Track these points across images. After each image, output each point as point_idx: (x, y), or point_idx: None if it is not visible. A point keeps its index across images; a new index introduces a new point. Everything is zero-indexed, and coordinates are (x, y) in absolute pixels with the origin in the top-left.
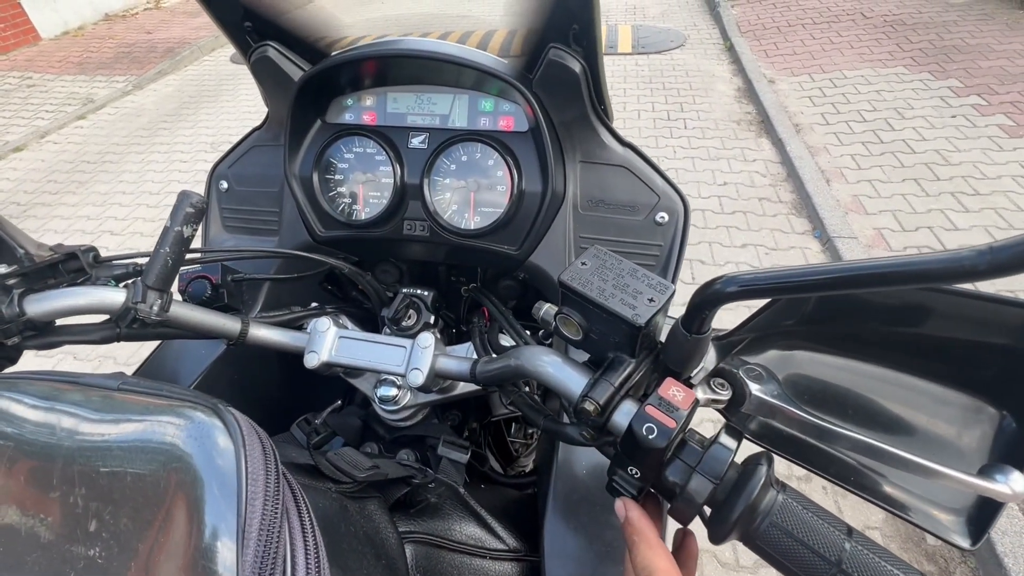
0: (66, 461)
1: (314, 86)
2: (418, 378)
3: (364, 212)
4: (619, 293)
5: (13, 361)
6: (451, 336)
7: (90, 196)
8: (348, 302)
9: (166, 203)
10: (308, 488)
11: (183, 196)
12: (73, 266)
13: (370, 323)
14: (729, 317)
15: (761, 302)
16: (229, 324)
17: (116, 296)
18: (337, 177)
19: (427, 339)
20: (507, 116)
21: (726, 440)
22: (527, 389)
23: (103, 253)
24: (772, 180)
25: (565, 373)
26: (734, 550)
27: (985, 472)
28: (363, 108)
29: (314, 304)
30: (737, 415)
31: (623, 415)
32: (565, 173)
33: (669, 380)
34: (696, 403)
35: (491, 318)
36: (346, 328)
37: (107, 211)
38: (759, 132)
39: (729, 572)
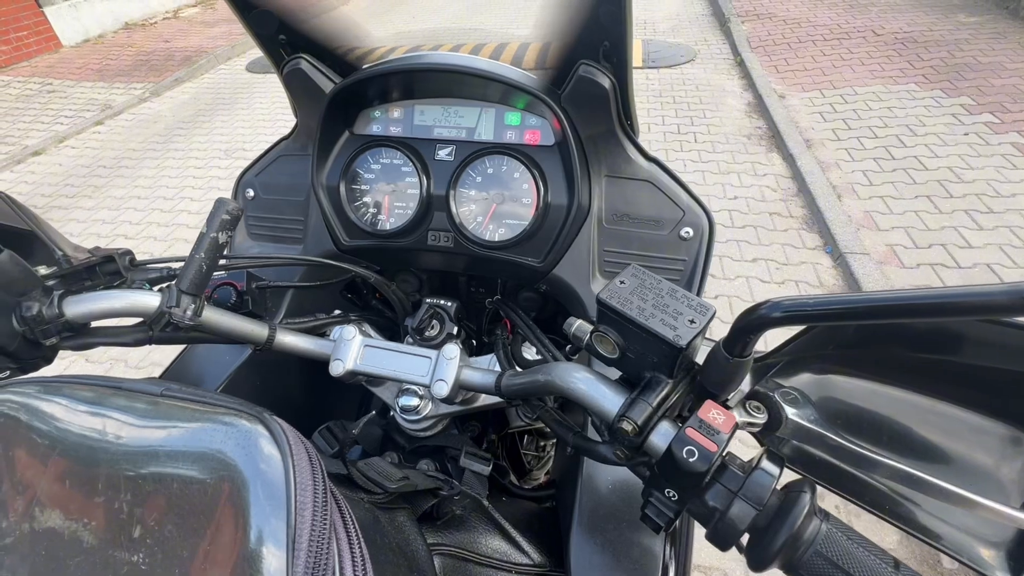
0: (111, 466)
1: (344, 98)
2: (443, 389)
3: (389, 222)
4: (659, 313)
5: (49, 361)
6: (472, 347)
7: (106, 200)
8: (368, 310)
9: (179, 208)
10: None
11: (219, 203)
12: (109, 269)
13: (391, 332)
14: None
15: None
16: (257, 330)
17: (151, 300)
18: (363, 187)
19: (452, 350)
20: (533, 130)
21: (768, 466)
22: (552, 404)
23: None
24: (783, 195)
25: (599, 391)
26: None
27: None
28: (390, 120)
29: (337, 312)
30: (771, 439)
31: (660, 436)
32: (590, 187)
33: (709, 403)
34: (736, 427)
35: (514, 330)
36: (371, 337)
37: (122, 215)
38: (769, 147)
39: None
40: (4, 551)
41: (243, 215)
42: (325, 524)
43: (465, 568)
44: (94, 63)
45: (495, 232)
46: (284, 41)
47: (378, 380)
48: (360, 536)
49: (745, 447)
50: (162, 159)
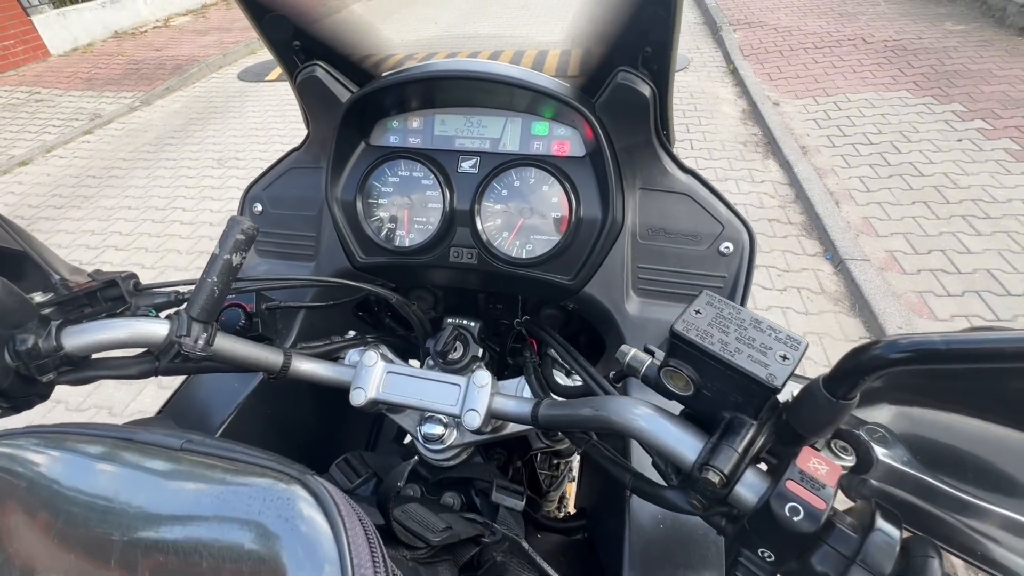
0: (126, 535)
1: (360, 107)
2: (475, 420)
3: (409, 238)
4: (745, 348)
5: (45, 397)
6: (494, 368)
7: (95, 211)
8: (383, 330)
9: (171, 218)
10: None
11: (233, 223)
12: (111, 294)
13: (408, 350)
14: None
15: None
16: (271, 357)
17: (159, 328)
18: (381, 201)
19: (483, 377)
20: (562, 140)
21: (886, 527)
22: (595, 437)
23: (112, 271)
24: (781, 201)
25: (671, 433)
26: None
27: None
28: (409, 131)
29: (352, 333)
30: (855, 482)
31: (750, 488)
32: (624, 200)
33: (808, 450)
34: (842, 478)
35: (542, 352)
36: (391, 361)
37: (112, 226)
38: (766, 153)
39: None
40: None
41: (257, 235)
42: None
43: None
44: (83, 72)
45: (522, 248)
46: (298, 47)
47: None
48: None
49: None
50: (153, 169)
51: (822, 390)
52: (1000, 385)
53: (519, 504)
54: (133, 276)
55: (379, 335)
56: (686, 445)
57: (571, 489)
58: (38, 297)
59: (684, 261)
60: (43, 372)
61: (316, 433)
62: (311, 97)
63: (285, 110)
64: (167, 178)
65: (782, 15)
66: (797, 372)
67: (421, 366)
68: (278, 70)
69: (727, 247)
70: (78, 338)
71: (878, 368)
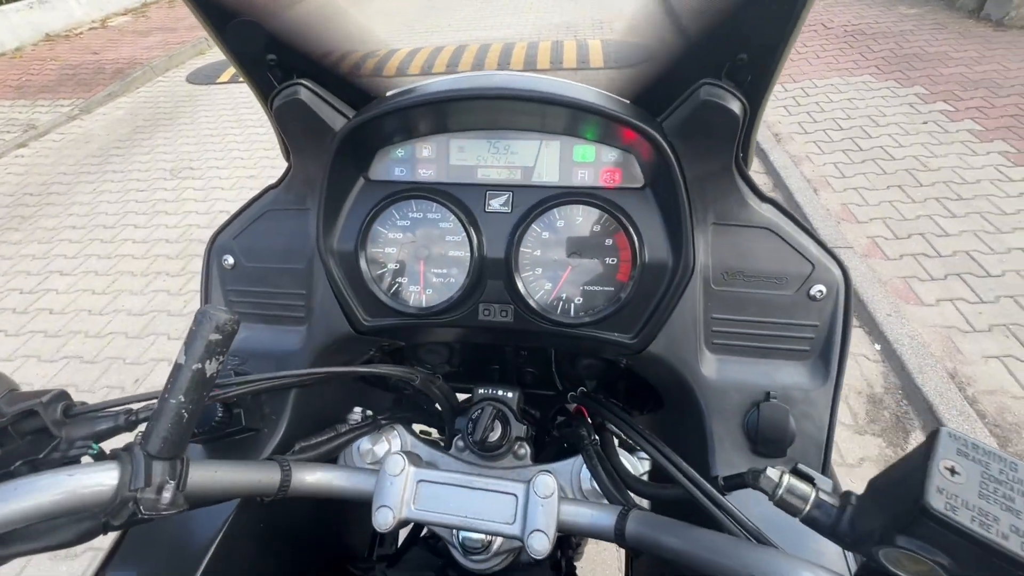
0: None
1: (357, 135)
2: (543, 544)
3: (426, 295)
4: None
5: None
6: (532, 442)
7: (35, 232)
8: (401, 407)
9: (122, 237)
10: None
11: (203, 318)
12: (31, 426)
13: (425, 417)
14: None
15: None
16: (265, 475)
17: (104, 479)
18: (388, 251)
19: (547, 484)
20: (612, 167)
21: None
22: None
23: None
24: None
25: None
26: None
27: None
28: (419, 161)
29: (358, 411)
30: None
31: None
32: (694, 239)
33: None
34: None
35: (598, 424)
36: (420, 462)
37: (55, 248)
38: None
39: None
40: None
41: (208, 289)
42: None
43: None
44: (12, 79)
45: (570, 303)
46: (274, 62)
47: None
48: None
49: None
50: (98, 183)
51: None
52: None
53: None
54: (62, 397)
55: (393, 412)
56: None
57: None
58: None
59: (767, 309)
60: None
61: (330, 527)
62: (293, 124)
63: (242, 114)
64: (115, 192)
65: None
66: None
67: (448, 447)
68: (231, 70)
69: (819, 291)
70: None
71: None
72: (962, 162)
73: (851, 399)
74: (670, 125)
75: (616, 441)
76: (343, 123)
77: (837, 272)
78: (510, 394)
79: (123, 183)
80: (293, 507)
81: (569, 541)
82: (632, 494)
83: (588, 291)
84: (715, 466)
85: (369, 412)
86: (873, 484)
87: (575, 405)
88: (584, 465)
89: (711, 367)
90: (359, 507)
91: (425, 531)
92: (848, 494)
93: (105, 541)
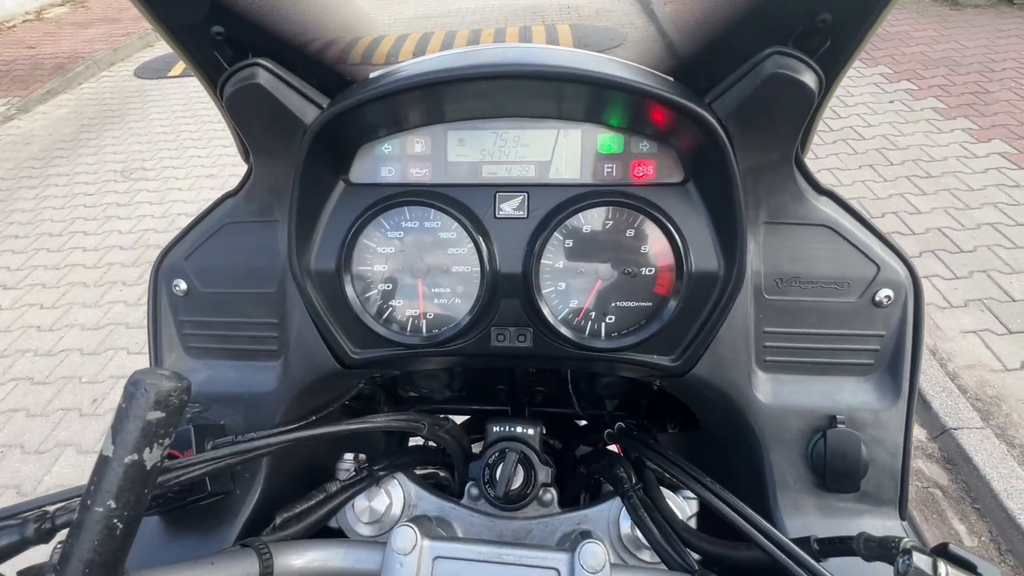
0: None
1: (334, 129)
2: None
3: (426, 320)
4: None
5: None
6: (555, 482)
7: None
8: (406, 454)
9: (71, 245)
10: None
11: (135, 389)
12: None
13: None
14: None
15: None
16: (239, 569)
17: None
18: (378, 268)
19: (596, 555)
20: (645, 159)
21: None
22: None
23: None
24: None
25: None
26: None
27: None
28: (411, 158)
29: (349, 458)
30: None
31: None
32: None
33: None
34: None
35: (636, 461)
36: (428, 522)
37: None
38: None
39: None
40: None
41: (158, 322)
42: None
43: None
44: None
45: (600, 323)
46: (222, 37)
47: None
48: None
49: None
50: (41, 188)
51: None
52: None
53: None
54: None
55: (392, 460)
56: None
57: None
58: None
59: (827, 319)
60: None
61: None
62: (252, 117)
63: (196, 109)
64: (60, 197)
65: None
66: None
67: (460, 494)
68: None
69: (886, 296)
70: None
71: None
72: (929, 140)
73: None
74: (723, 105)
75: (654, 477)
76: (316, 114)
77: (905, 273)
78: (530, 430)
79: (69, 187)
80: None
81: None
82: (683, 543)
83: (621, 308)
84: (778, 507)
85: (363, 457)
86: None
87: (611, 442)
88: (622, 509)
89: (765, 389)
90: None
91: None
92: None
93: None
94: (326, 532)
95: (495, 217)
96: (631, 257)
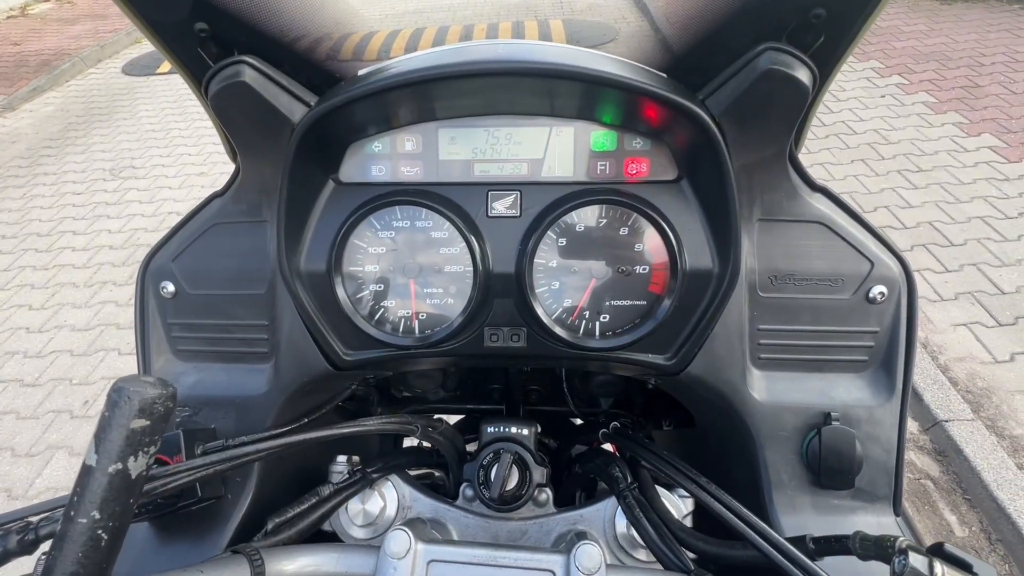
0: None
1: (323, 128)
2: None
3: (418, 321)
4: None
5: None
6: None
7: None
8: (399, 454)
9: (61, 244)
10: None
11: (118, 396)
12: None
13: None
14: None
15: None
16: (228, 573)
17: None
18: (369, 268)
19: (591, 556)
20: (638, 157)
21: None
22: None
23: None
24: None
25: None
26: None
27: None
28: (401, 156)
29: (343, 460)
30: None
31: None
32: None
33: None
34: None
35: (631, 461)
36: (422, 524)
37: None
38: None
39: None
40: None
41: (145, 325)
42: None
43: None
44: None
45: (594, 322)
46: (206, 34)
47: None
48: None
49: None
50: (29, 187)
51: None
52: None
53: None
54: None
55: (385, 461)
56: None
57: None
58: None
59: (822, 315)
60: None
61: None
62: (238, 115)
63: (186, 106)
64: (48, 196)
65: None
66: None
67: (454, 495)
68: None
69: (880, 292)
70: None
71: None
72: (919, 134)
73: None
74: (717, 102)
75: (650, 476)
76: (304, 112)
77: (898, 269)
78: (525, 430)
79: (57, 186)
80: None
81: None
82: (679, 544)
83: (616, 307)
84: (773, 505)
85: (356, 459)
86: None
87: (606, 442)
88: (618, 509)
89: (760, 387)
90: None
91: None
92: None
93: None
94: (320, 536)
95: (487, 216)
96: (625, 255)
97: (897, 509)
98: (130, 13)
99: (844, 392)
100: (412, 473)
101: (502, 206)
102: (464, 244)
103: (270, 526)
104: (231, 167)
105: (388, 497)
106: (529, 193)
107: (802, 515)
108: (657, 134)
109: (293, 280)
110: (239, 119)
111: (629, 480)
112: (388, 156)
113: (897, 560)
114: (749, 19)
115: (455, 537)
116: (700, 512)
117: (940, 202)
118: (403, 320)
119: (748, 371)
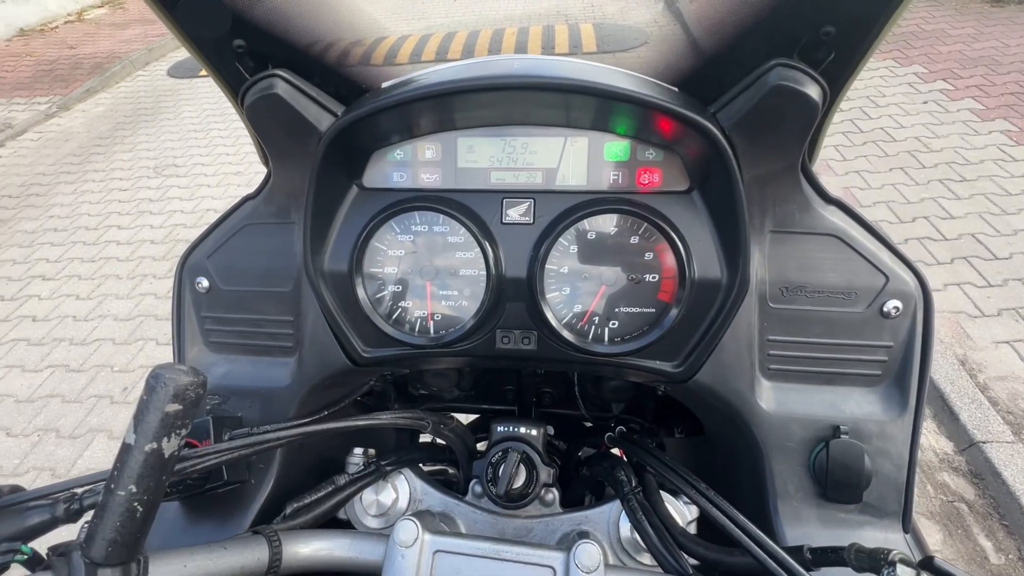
0: None
1: (348, 136)
2: None
3: (433, 322)
4: None
5: None
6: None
7: (14, 236)
8: (412, 449)
9: (107, 239)
10: None
11: (155, 382)
12: None
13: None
14: None
15: None
16: (250, 556)
17: None
18: (388, 270)
19: (590, 555)
20: (651, 167)
21: None
22: None
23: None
24: None
25: None
26: None
27: None
28: (421, 164)
29: (359, 452)
30: None
31: None
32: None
33: None
34: None
35: (636, 466)
36: (431, 517)
37: (36, 252)
38: None
39: None
40: None
41: (181, 317)
42: None
43: None
44: None
45: (603, 328)
46: (243, 50)
47: None
48: None
49: None
50: (79, 183)
51: None
52: None
53: None
54: None
55: (399, 455)
56: None
57: None
58: None
59: (833, 329)
60: None
61: None
62: (270, 124)
63: (225, 108)
64: (97, 192)
65: None
66: None
67: (464, 491)
68: None
69: (894, 307)
70: None
71: None
72: (964, 142)
73: None
74: (727, 116)
75: (656, 483)
76: (330, 122)
77: (915, 284)
78: (534, 431)
79: (105, 182)
80: None
81: None
82: (681, 550)
83: (625, 313)
84: (778, 515)
85: (372, 452)
86: None
87: (612, 445)
88: (622, 512)
89: (768, 397)
90: None
91: None
92: None
93: None
94: (334, 523)
95: (502, 223)
96: (636, 263)
97: (906, 526)
98: (174, 29)
99: (855, 406)
100: (425, 469)
101: (516, 213)
102: (479, 249)
103: (289, 510)
104: (265, 168)
105: (400, 489)
106: (543, 201)
107: (807, 527)
108: (669, 145)
109: (317, 279)
110: (271, 127)
111: (634, 484)
112: (409, 163)
113: (886, 571)
114: (761, 35)
115: (463, 531)
116: (704, 520)
117: (984, 213)
118: (419, 320)
119: (757, 381)
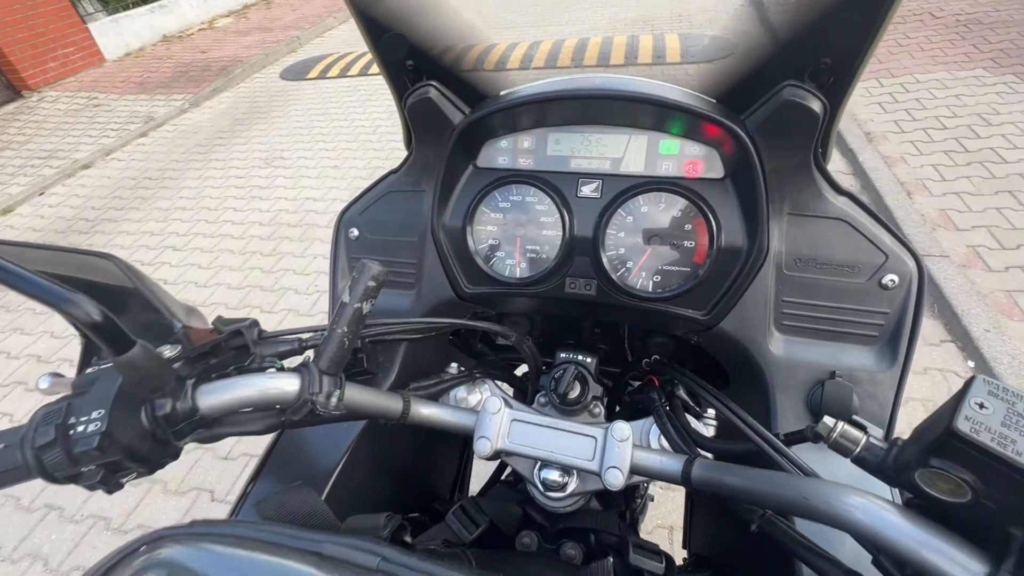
0: None
1: (471, 129)
2: (617, 479)
3: (520, 268)
4: None
5: (175, 457)
6: (607, 405)
7: (152, 212)
8: (487, 364)
9: (224, 219)
10: None
11: (363, 268)
12: (235, 343)
13: (510, 379)
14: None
15: None
16: (392, 404)
17: (289, 385)
18: (490, 228)
19: (623, 430)
20: (695, 160)
21: None
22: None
23: (184, 287)
24: None
25: (930, 546)
26: None
27: None
28: (519, 151)
29: (455, 366)
30: None
31: None
32: (769, 227)
33: None
34: None
35: (666, 389)
36: (508, 403)
37: (169, 226)
38: None
39: None
40: None
41: (336, 258)
42: None
43: None
44: (136, 76)
45: (648, 280)
46: (411, 67)
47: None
48: None
49: None
50: (204, 169)
51: None
52: None
53: (659, 567)
54: (255, 324)
55: (483, 369)
56: (958, 565)
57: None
58: (167, 351)
59: (838, 295)
60: (180, 437)
61: (421, 467)
62: (421, 118)
63: (327, 108)
64: (217, 178)
65: None
66: None
67: (530, 403)
68: (319, 67)
69: (891, 280)
70: (212, 398)
71: None
72: None
73: None
74: (753, 122)
75: (683, 406)
76: (461, 118)
77: (911, 263)
78: (589, 359)
79: (224, 170)
80: (399, 442)
81: (635, 497)
82: (696, 446)
83: (666, 270)
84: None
85: (463, 368)
86: (917, 428)
87: (647, 375)
88: (654, 425)
89: (779, 346)
90: (449, 453)
91: (506, 475)
92: (896, 439)
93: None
94: None
95: (577, 196)
96: (677, 232)
97: None
98: (374, 53)
99: (851, 358)
100: (501, 385)
101: (588, 190)
102: (558, 215)
103: (411, 387)
104: (359, 163)
105: (484, 393)
106: (609, 182)
107: (799, 448)
108: (710, 143)
109: (439, 231)
110: (420, 121)
111: (663, 401)
112: (511, 150)
113: (819, 424)
114: (778, 62)
115: None
116: (720, 434)
117: None
118: (509, 266)
119: (770, 332)
